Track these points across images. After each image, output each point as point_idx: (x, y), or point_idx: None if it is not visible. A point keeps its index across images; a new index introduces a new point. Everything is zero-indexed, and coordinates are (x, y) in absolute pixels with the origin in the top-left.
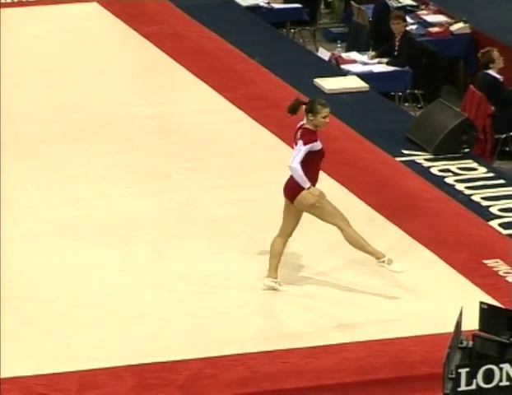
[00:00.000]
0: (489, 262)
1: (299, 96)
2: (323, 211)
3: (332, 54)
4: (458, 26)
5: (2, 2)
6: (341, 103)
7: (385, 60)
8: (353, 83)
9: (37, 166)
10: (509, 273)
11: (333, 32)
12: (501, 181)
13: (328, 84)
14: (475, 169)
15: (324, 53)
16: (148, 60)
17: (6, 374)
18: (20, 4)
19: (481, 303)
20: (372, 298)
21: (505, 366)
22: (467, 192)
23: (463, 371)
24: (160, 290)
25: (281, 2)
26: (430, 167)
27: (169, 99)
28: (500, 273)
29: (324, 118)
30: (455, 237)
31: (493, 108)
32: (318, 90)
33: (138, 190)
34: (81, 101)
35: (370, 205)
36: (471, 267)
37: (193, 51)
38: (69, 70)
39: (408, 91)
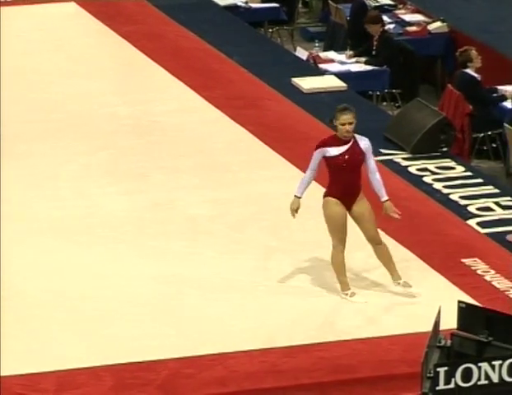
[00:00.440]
0: (467, 261)
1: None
2: (331, 221)
3: (310, 54)
4: (435, 25)
5: None
6: (319, 102)
7: (363, 59)
8: (331, 82)
9: (15, 166)
10: (487, 272)
11: (311, 31)
12: (479, 180)
13: (306, 83)
14: (453, 168)
15: (302, 53)
16: (126, 59)
17: None
18: None
19: (460, 302)
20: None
21: (484, 365)
22: (446, 191)
23: (442, 370)
24: (137, 289)
25: (258, 2)
26: (408, 166)
27: (146, 99)
28: (478, 272)
29: (343, 125)
30: (433, 236)
31: (471, 107)
32: (297, 90)
33: (116, 189)
34: (59, 101)
35: None
36: (449, 266)
37: (170, 50)
38: (46, 70)
39: (386, 91)
